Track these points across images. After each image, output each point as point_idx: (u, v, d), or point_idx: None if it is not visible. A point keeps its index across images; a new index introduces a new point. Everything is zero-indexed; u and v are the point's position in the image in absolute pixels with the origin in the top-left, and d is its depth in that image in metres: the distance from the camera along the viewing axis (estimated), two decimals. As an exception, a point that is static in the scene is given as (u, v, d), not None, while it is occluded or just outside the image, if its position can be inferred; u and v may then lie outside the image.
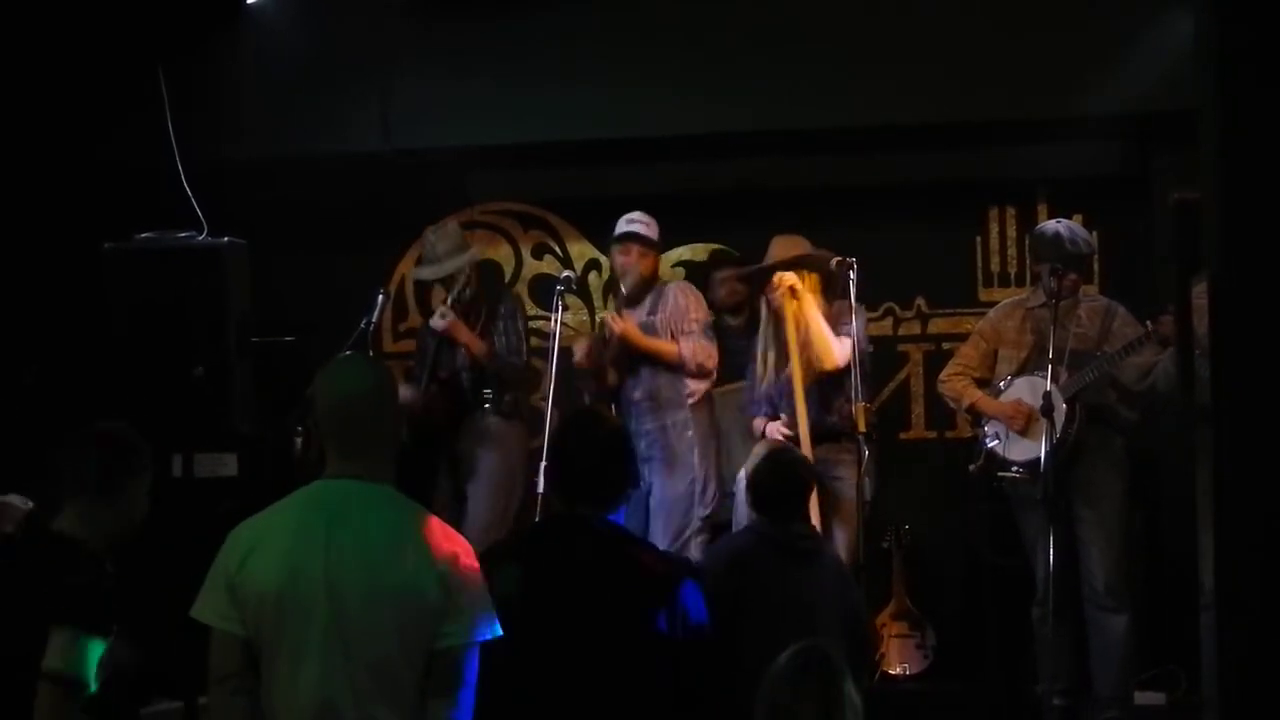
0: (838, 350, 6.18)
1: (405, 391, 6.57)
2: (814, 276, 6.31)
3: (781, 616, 4.59)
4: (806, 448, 6.10)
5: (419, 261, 6.75)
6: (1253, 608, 4.67)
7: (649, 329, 6.49)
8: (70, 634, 3.91)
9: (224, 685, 3.33)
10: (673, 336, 6.47)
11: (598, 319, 6.82)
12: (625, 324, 6.43)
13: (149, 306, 6.47)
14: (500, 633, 3.37)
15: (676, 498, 6.37)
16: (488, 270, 6.86)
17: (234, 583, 3.32)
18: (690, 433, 6.44)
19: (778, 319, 6.35)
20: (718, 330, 6.85)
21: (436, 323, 6.51)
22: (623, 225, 6.58)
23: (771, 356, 6.39)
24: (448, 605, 3.27)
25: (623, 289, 6.62)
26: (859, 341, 6.12)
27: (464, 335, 6.48)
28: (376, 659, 3.25)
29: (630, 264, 6.56)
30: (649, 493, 6.40)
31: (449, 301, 6.52)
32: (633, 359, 6.50)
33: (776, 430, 6.29)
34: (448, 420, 6.55)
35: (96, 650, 3.96)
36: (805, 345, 6.17)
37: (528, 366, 6.65)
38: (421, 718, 3.29)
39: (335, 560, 3.27)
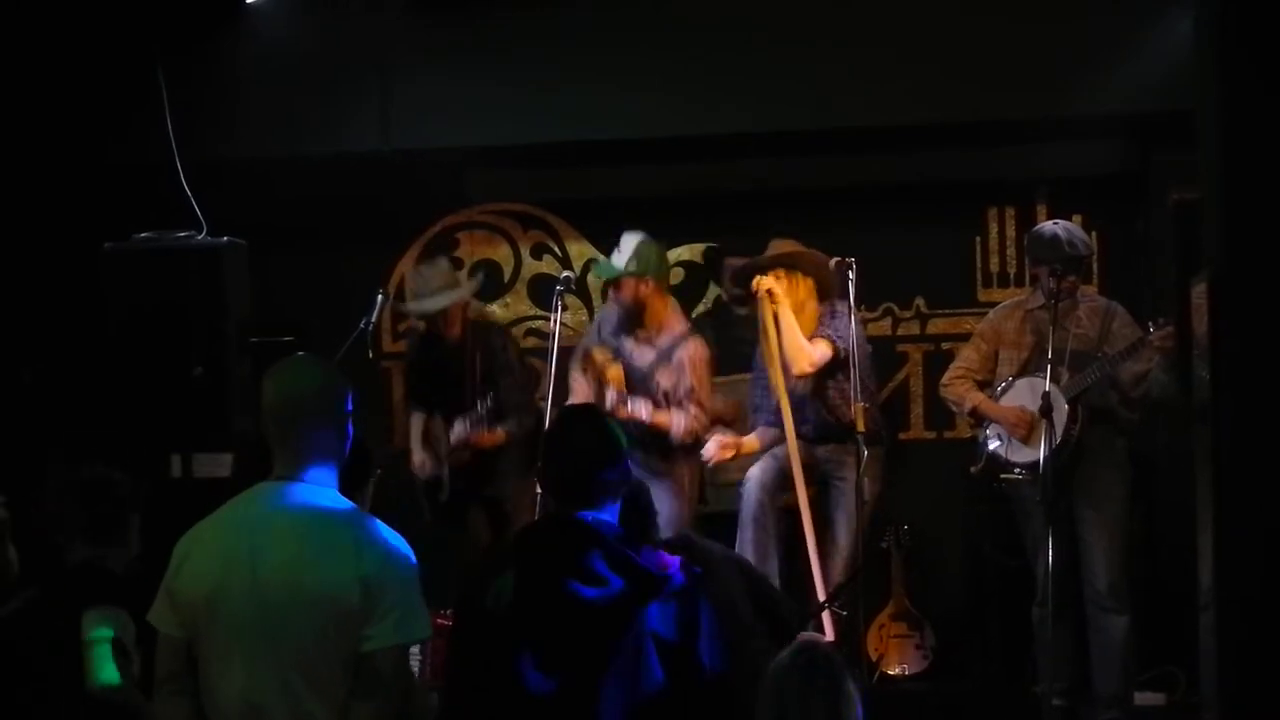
0: (807, 354, 6.17)
1: (419, 454, 6.64)
2: (808, 281, 6.30)
3: None
4: (793, 451, 6.09)
5: (408, 295, 6.64)
6: (1252, 608, 4.68)
7: (646, 374, 6.37)
8: (105, 609, 4.06)
9: (164, 687, 3.38)
10: (665, 397, 6.34)
11: (588, 353, 6.74)
12: (631, 413, 6.26)
13: (148, 306, 6.46)
14: (429, 635, 3.38)
15: (671, 506, 6.34)
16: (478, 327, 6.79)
17: (172, 587, 3.36)
18: (682, 450, 6.41)
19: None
20: (728, 322, 6.79)
21: (459, 440, 6.45)
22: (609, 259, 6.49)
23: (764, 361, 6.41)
24: (368, 609, 3.25)
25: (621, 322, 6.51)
26: (841, 341, 6.13)
27: (488, 442, 6.46)
28: (304, 661, 3.26)
29: (615, 296, 6.46)
30: None
31: (469, 420, 6.42)
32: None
33: (715, 446, 6.30)
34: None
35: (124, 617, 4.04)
36: (780, 349, 6.18)
37: (533, 403, 6.59)
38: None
39: (260, 563, 3.28)
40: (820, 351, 6.15)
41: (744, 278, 6.44)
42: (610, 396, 6.28)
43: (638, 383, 6.35)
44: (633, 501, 4.13)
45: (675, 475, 6.35)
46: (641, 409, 6.27)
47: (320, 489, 3.38)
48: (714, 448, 6.29)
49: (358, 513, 3.40)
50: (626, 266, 6.33)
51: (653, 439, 6.31)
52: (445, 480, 6.57)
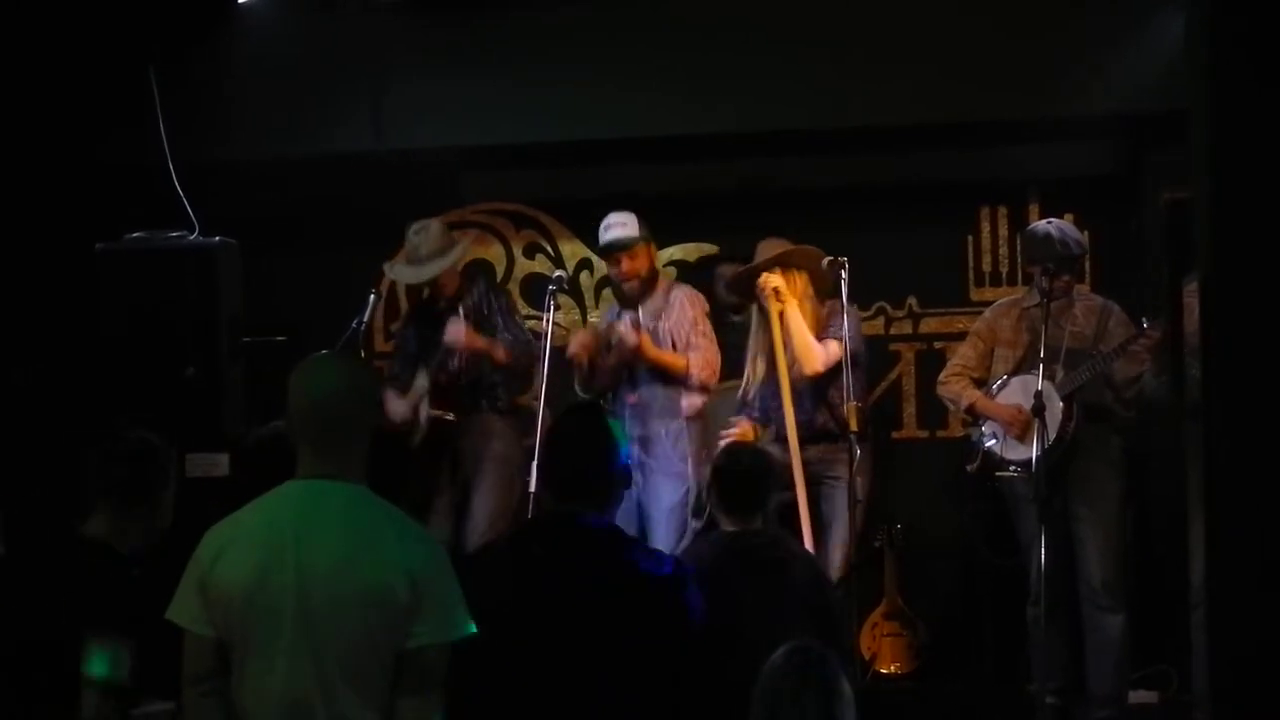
0: (819, 354, 6.19)
1: (397, 404, 6.53)
2: (803, 276, 6.31)
3: (746, 627, 4.47)
4: (794, 450, 6.10)
5: (403, 260, 6.67)
6: (1243, 606, 4.68)
7: (653, 334, 6.43)
8: (110, 642, 3.95)
9: (196, 687, 3.34)
10: (674, 345, 6.42)
11: (590, 317, 6.76)
12: (643, 337, 6.34)
13: (140, 307, 6.45)
14: (474, 631, 3.36)
15: (672, 506, 6.35)
16: (470, 267, 6.76)
17: (205, 584, 3.32)
18: (684, 442, 6.41)
19: (766, 321, 6.37)
20: (721, 328, 6.83)
21: (452, 337, 6.35)
22: (602, 235, 6.47)
23: (761, 361, 6.39)
24: (416, 605, 3.26)
25: (626, 296, 6.52)
26: (852, 341, 6.14)
27: (480, 344, 6.38)
28: (347, 658, 3.25)
29: (624, 272, 6.46)
30: (642, 500, 6.37)
31: (461, 312, 6.38)
32: (636, 369, 6.45)
33: (734, 430, 6.30)
34: (455, 420, 6.50)
35: (125, 653, 3.99)
36: (788, 348, 6.18)
37: (531, 346, 6.46)
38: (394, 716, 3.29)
39: (303, 560, 3.27)
40: (831, 351, 6.16)
41: (741, 284, 6.46)
42: (622, 328, 6.33)
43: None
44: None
45: (692, 430, 6.39)
46: (644, 336, 6.32)
47: (355, 486, 3.38)
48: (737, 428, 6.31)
49: (396, 510, 3.41)
50: (641, 233, 6.39)
51: (661, 394, 6.36)
52: (421, 424, 6.42)
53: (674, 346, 6.42)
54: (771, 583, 4.68)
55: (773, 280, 6.24)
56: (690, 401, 6.41)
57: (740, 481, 4.88)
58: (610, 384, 6.51)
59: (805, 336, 6.18)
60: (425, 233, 6.50)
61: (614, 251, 6.47)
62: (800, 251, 6.32)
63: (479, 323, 6.46)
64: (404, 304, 7.66)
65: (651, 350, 6.36)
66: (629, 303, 6.51)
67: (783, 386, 6.19)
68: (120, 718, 4.04)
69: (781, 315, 6.21)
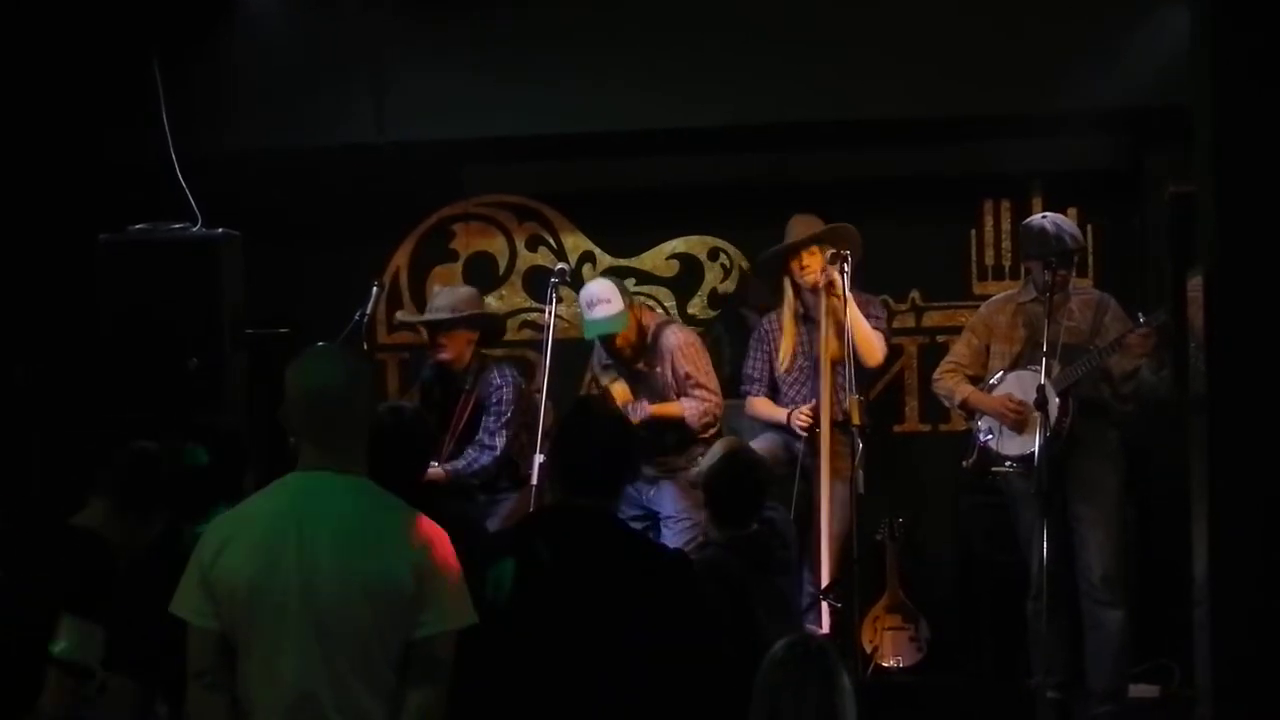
0: (880, 347, 6.21)
1: None
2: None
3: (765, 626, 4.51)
4: (826, 441, 6.10)
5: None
6: (1246, 600, 4.68)
7: (648, 381, 6.43)
8: (79, 623, 3.96)
9: (200, 680, 3.34)
10: (675, 394, 6.42)
11: (595, 379, 6.77)
12: (649, 409, 6.32)
13: (143, 299, 6.47)
14: (476, 619, 3.37)
15: (684, 515, 6.35)
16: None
17: (208, 577, 3.32)
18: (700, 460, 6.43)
19: (805, 306, 6.35)
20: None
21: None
22: (587, 314, 6.39)
23: (790, 344, 6.38)
24: (422, 594, 3.28)
25: (621, 360, 6.50)
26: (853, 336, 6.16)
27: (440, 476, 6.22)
28: (355, 650, 3.27)
29: (618, 347, 6.45)
30: (657, 511, 6.40)
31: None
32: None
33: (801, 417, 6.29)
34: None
35: (94, 637, 4.00)
36: (847, 341, 6.15)
37: (504, 450, 6.30)
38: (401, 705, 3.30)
39: (308, 552, 3.28)
40: (882, 345, 6.17)
41: (774, 264, 6.45)
42: (630, 411, 6.25)
43: (643, 389, 6.42)
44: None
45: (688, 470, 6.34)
46: (645, 408, 6.29)
47: (356, 478, 3.39)
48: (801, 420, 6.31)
49: (400, 500, 3.42)
50: (625, 303, 6.36)
51: (669, 434, 6.35)
52: None
53: (673, 391, 6.42)
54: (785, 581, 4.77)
55: (831, 274, 6.18)
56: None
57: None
58: None
59: (868, 330, 6.16)
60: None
61: (602, 337, 6.45)
62: (838, 230, 6.28)
63: (473, 404, 6.40)
64: (406, 296, 7.66)
65: (657, 412, 6.34)
66: (624, 363, 6.49)
67: (824, 379, 6.17)
68: (80, 697, 4.03)
69: (837, 309, 6.16)
